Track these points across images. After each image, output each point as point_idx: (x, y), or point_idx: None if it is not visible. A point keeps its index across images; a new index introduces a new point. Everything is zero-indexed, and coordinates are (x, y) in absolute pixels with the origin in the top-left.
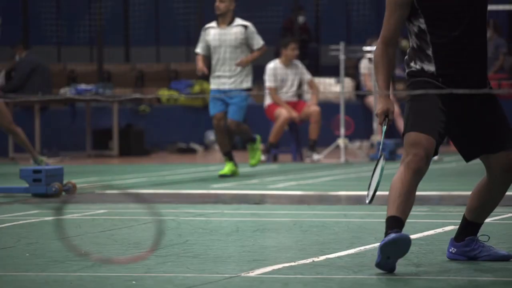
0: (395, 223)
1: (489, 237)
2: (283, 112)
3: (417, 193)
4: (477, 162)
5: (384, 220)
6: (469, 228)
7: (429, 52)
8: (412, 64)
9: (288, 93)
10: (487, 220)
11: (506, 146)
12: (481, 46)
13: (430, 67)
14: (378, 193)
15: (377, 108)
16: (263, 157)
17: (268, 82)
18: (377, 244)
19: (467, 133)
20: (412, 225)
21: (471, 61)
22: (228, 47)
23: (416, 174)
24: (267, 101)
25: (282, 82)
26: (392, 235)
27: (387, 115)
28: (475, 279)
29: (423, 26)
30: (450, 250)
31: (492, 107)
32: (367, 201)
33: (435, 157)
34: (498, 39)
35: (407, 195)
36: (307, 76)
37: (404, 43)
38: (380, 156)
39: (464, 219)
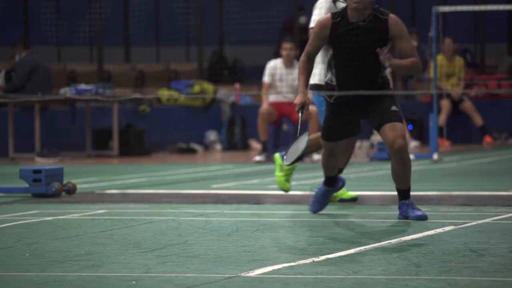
0: None
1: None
2: (262, 108)
3: (417, 193)
4: (477, 162)
5: (384, 220)
6: (399, 194)
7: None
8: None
9: (282, 93)
10: (487, 220)
11: (385, 121)
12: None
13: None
14: (375, 193)
15: (296, 100)
16: (259, 157)
17: (264, 77)
18: (377, 244)
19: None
20: (412, 225)
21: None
22: None
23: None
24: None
25: (280, 82)
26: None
27: (303, 106)
28: (475, 279)
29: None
30: (398, 213)
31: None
32: (286, 163)
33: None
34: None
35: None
36: None
37: None
38: (305, 134)
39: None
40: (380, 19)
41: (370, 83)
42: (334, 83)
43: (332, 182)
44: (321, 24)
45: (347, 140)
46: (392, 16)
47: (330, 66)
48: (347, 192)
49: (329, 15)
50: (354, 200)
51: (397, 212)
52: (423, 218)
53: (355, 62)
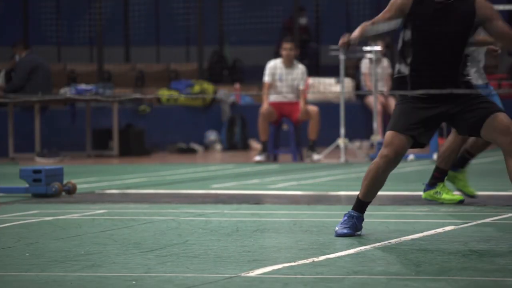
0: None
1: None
2: (262, 108)
3: (417, 193)
4: (477, 162)
5: (384, 220)
6: None
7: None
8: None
9: (282, 93)
10: (487, 220)
11: (491, 111)
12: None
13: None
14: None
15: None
16: (259, 157)
17: (264, 77)
18: (377, 244)
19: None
20: (412, 225)
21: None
22: None
23: (386, 171)
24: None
25: (280, 82)
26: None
27: (349, 44)
28: (475, 279)
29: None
30: None
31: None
32: None
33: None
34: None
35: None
36: (301, 85)
37: None
38: None
39: None
40: (466, 0)
41: (450, 79)
42: (406, 74)
43: (365, 208)
44: None
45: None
46: None
47: (403, 54)
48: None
49: None
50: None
51: (396, 212)
52: None
53: (436, 50)
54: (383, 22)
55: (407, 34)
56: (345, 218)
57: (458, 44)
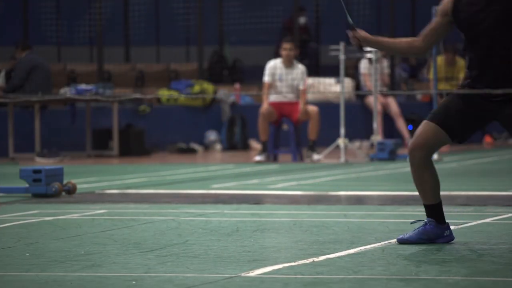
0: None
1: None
2: (262, 108)
3: (417, 193)
4: (477, 162)
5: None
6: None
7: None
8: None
9: (282, 93)
10: (487, 220)
11: None
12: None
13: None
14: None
15: (359, 33)
16: (259, 157)
17: (264, 77)
18: (377, 244)
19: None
20: (412, 225)
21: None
22: None
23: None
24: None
25: (280, 82)
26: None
27: (360, 45)
28: (475, 279)
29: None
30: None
31: None
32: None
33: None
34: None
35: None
36: (301, 85)
37: None
38: None
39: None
40: None
41: (502, 78)
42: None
43: (435, 211)
44: None
45: None
46: None
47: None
48: None
49: None
50: None
51: (396, 212)
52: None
53: (483, 49)
54: (406, 44)
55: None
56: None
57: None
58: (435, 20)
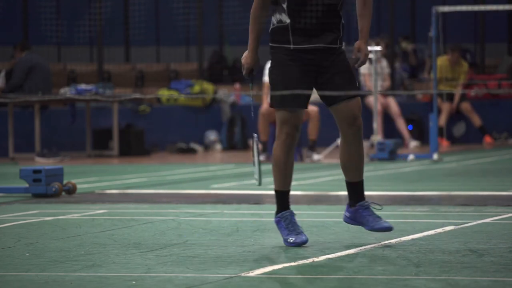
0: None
1: (381, 207)
2: (262, 108)
3: (417, 193)
4: (477, 162)
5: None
6: (352, 189)
7: (284, 5)
8: (272, 19)
9: None
10: (487, 220)
11: (347, 96)
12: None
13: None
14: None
15: (245, 61)
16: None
17: (264, 77)
18: (377, 244)
19: (322, 84)
20: (412, 225)
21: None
22: None
23: (291, 148)
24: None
25: None
26: None
27: (252, 70)
28: (475, 279)
29: None
30: (346, 214)
31: (340, 62)
32: (258, 184)
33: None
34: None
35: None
36: None
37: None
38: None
39: (346, 182)
40: None
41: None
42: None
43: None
44: None
45: None
46: None
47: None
48: None
49: None
50: None
51: (396, 212)
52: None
53: None
54: None
55: None
56: (284, 221)
57: None
58: None
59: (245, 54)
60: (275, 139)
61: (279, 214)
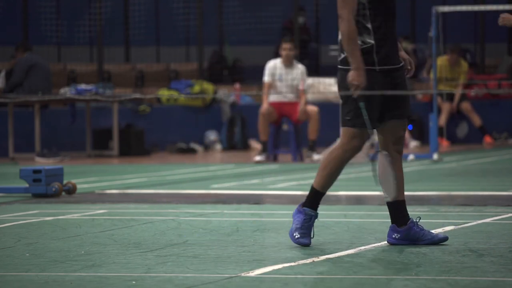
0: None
1: (420, 218)
2: (262, 108)
3: (417, 193)
4: (477, 162)
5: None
6: (402, 207)
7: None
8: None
9: (282, 93)
10: (487, 220)
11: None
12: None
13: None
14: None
15: (358, 80)
16: (259, 157)
17: (264, 77)
18: (377, 244)
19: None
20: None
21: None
22: None
23: (347, 160)
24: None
25: (280, 82)
26: None
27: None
28: (475, 279)
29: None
30: (394, 236)
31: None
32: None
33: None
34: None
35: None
36: (300, 85)
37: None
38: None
39: (395, 202)
40: None
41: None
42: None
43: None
44: None
45: None
46: None
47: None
48: None
49: None
50: None
51: None
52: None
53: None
54: None
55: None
56: (304, 217)
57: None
58: None
59: (353, 73)
60: (339, 146)
61: (306, 209)
